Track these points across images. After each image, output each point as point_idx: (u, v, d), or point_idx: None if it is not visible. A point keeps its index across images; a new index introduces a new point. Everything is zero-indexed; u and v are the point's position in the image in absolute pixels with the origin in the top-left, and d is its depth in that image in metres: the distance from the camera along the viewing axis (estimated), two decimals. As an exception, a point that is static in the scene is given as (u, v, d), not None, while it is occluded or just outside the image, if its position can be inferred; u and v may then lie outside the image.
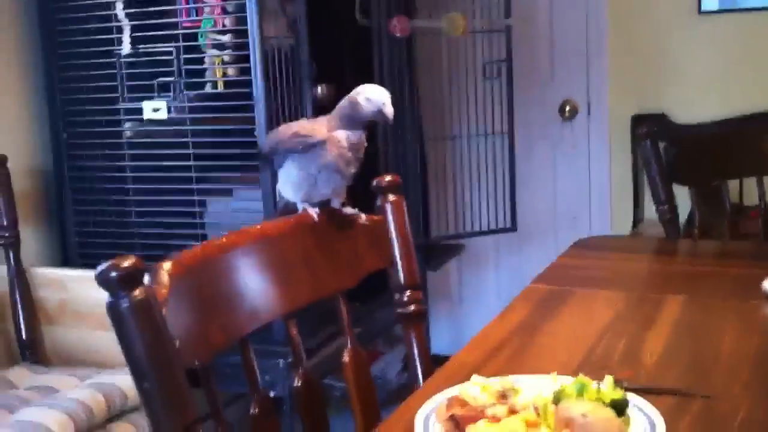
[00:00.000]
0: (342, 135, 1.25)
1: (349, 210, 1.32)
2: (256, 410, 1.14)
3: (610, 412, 0.90)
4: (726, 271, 1.65)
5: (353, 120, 1.26)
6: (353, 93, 1.26)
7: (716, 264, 1.75)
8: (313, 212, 1.27)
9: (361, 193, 3.07)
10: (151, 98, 2.28)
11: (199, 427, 0.97)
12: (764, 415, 0.97)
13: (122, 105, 2.34)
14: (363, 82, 1.29)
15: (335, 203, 1.31)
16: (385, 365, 3.38)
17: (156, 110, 2.26)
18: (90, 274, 0.92)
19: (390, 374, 3.35)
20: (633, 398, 0.96)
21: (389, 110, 1.25)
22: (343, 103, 1.27)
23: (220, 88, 2.27)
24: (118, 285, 0.90)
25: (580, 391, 0.93)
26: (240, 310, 1.13)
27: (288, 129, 1.28)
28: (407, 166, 2.80)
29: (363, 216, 1.32)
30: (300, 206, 1.29)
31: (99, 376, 1.97)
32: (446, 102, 3.21)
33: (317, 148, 1.24)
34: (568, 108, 3.52)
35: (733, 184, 2.83)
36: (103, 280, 0.90)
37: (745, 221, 2.68)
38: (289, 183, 1.29)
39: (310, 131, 1.25)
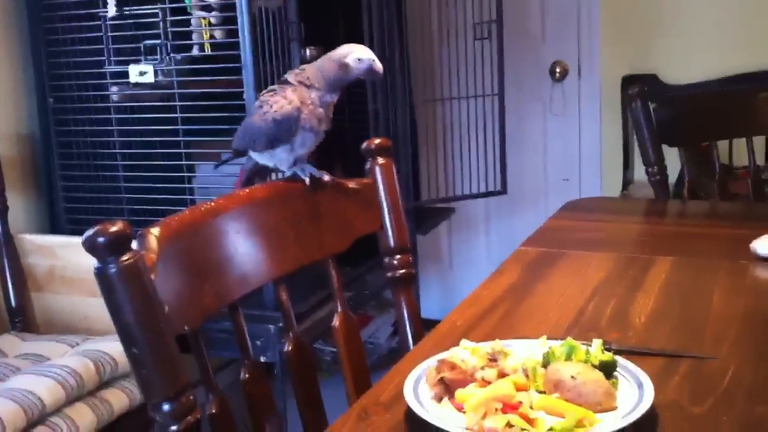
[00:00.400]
0: (315, 96, 1.25)
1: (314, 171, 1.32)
2: (247, 375, 1.14)
3: (598, 374, 0.90)
4: (715, 231, 1.66)
5: (342, 82, 1.25)
6: (339, 55, 1.25)
7: (706, 225, 1.75)
8: (306, 178, 1.27)
9: (351, 155, 3.05)
10: (137, 62, 2.25)
11: (190, 393, 0.97)
12: (752, 374, 0.98)
13: (108, 69, 2.31)
14: (354, 43, 1.28)
15: (304, 161, 1.31)
16: (376, 329, 3.40)
17: (143, 74, 2.23)
18: (78, 240, 0.91)
19: (380, 338, 3.37)
20: (621, 360, 0.96)
21: (379, 66, 1.25)
22: (328, 65, 1.26)
23: (208, 51, 2.24)
24: (105, 250, 0.89)
25: (569, 354, 0.94)
26: (229, 275, 1.12)
27: (262, 118, 1.25)
28: (397, 128, 2.78)
29: (326, 177, 1.30)
30: (289, 172, 1.29)
31: (89, 342, 1.97)
32: (436, 63, 3.18)
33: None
34: (558, 69, 3.51)
35: (723, 145, 2.83)
36: (90, 246, 0.90)
37: (734, 182, 2.69)
38: (267, 153, 1.29)
39: (287, 110, 1.23)
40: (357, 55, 1.25)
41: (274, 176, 1.45)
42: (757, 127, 2.12)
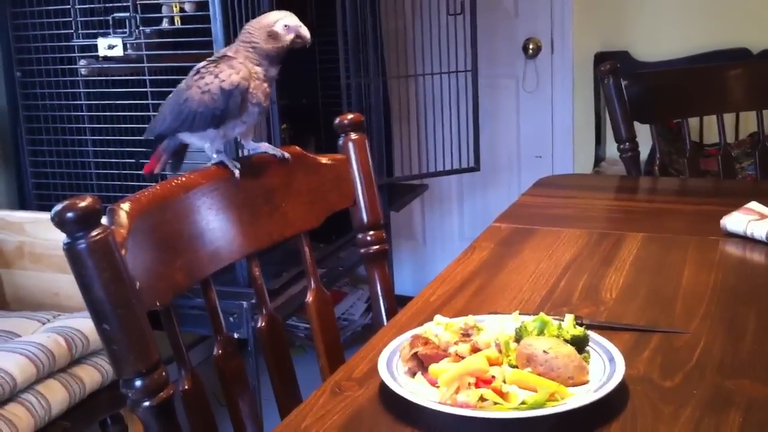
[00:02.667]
0: (260, 70, 1.17)
1: (267, 147, 1.24)
2: (220, 351, 1.14)
3: (570, 349, 0.91)
4: (686, 208, 1.67)
5: (277, 54, 1.17)
6: (266, 24, 1.16)
7: (676, 201, 1.77)
8: (235, 169, 1.16)
9: (324, 131, 3.03)
10: (106, 35, 2.22)
11: (162, 369, 0.96)
12: (721, 348, 0.99)
13: (76, 42, 2.27)
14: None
15: (248, 139, 1.23)
16: (350, 306, 3.41)
17: (111, 47, 2.19)
18: (47, 216, 0.90)
19: (354, 315, 3.37)
20: (593, 335, 0.97)
21: (306, 33, 1.17)
22: (255, 38, 1.16)
23: (178, 24, 2.21)
24: (75, 225, 0.88)
25: (542, 329, 0.94)
26: (201, 251, 1.12)
27: (204, 90, 1.13)
28: (370, 104, 2.77)
29: (278, 151, 1.23)
30: (215, 158, 1.18)
31: (59, 319, 1.95)
32: (409, 39, 3.17)
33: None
34: (531, 46, 3.50)
35: (693, 123, 2.86)
36: (59, 221, 0.89)
37: (704, 159, 2.71)
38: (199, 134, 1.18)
39: (235, 79, 1.13)
40: (284, 21, 1.16)
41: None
42: (727, 105, 2.14)
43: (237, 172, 1.16)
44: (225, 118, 1.16)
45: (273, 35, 1.16)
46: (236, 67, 1.15)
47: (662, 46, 3.31)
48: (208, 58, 1.19)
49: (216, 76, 1.14)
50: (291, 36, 1.17)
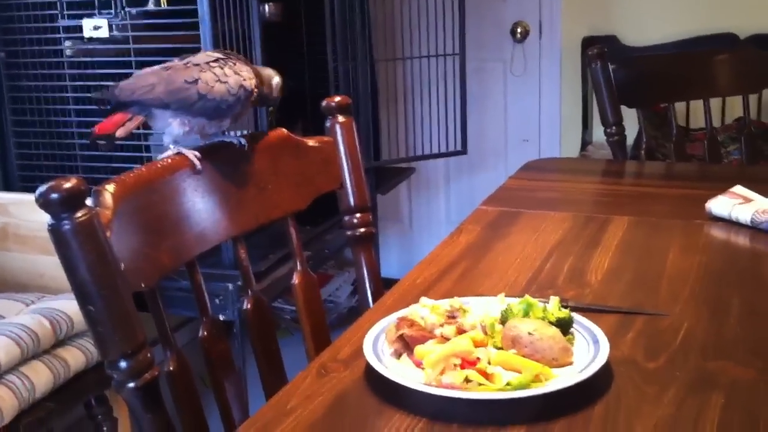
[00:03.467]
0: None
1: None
2: (206, 333, 1.14)
3: (555, 331, 0.91)
4: (671, 192, 1.68)
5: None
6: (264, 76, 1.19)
7: (662, 185, 1.78)
8: (195, 159, 1.13)
9: (312, 114, 3.02)
10: (91, 16, 2.20)
11: (147, 350, 0.96)
12: (705, 331, 1.00)
13: (62, 23, 2.25)
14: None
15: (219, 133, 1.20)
16: (336, 289, 3.41)
17: (97, 28, 2.18)
18: (32, 197, 0.89)
19: (340, 297, 3.38)
20: (578, 317, 0.98)
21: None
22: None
23: (164, 5, 2.20)
24: (59, 206, 0.88)
25: (527, 311, 0.95)
26: (187, 233, 1.11)
27: (214, 79, 1.11)
28: (357, 87, 2.76)
29: (244, 141, 1.20)
30: (174, 149, 1.14)
31: (44, 301, 1.94)
32: (397, 22, 3.15)
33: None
34: (519, 30, 3.50)
35: (680, 107, 2.86)
36: (44, 202, 0.88)
37: (691, 144, 2.72)
38: (173, 126, 1.14)
39: (250, 84, 1.14)
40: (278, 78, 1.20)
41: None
42: (713, 90, 2.14)
43: (198, 164, 1.13)
44: (223, 114, 1.14)
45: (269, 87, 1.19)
46: (250, 72, 1.15)
47: (650, 31, 3.32)
48: (216, 50, 1.17)
49: (236, 73, 1.13)
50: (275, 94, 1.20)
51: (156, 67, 1.14)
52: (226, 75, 1.13)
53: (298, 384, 0.92)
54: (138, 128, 1.16)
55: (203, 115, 1.13)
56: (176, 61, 1.15)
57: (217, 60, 1.14)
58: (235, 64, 1.15)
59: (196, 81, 1.11)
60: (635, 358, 0.93)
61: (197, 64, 1.13)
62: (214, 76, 1.12)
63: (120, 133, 1.12)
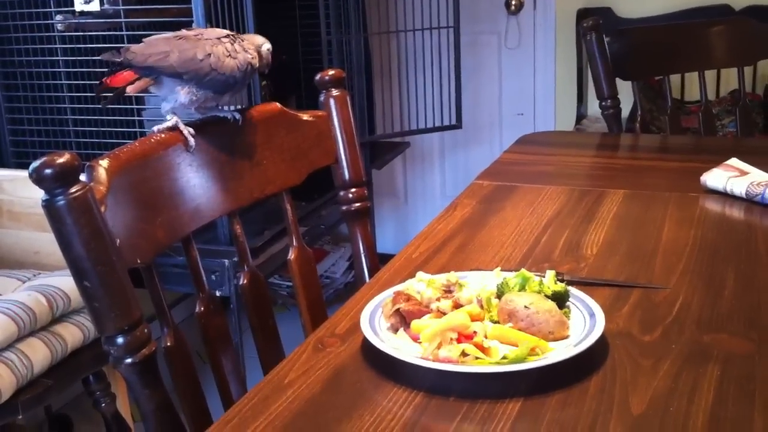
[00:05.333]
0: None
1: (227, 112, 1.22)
2: (202, 308, 1.14)
3: (551, 304, 0.91)
4: (666, 165, 1.68)
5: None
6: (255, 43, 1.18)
7: (657, 158, 1.78)
8: (190, 137, 1.13)
9: (305, 88, 3.00)
10: (82, -10, 2.18)
11: (144, 326, 0.96)
12: (700, 303, 1.00)
13: (52, -3, 2.23)
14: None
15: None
16: (332, 264, 3.41)
17: (88, 2, 2.15)
18: (25, 174, 0.89)
19: (336, 273, 3.38)
20: (573, 290, 0.98)
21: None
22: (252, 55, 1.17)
23: (155, -21, 2.17)
24: (53, 182, 0.87)
25: (523, 285, 0.95)
26: (182, 208, 1.11)
27: (224, 54, 1.12)
28: (351, 61, 2.75)
29: (238, 116, 1.20)
30: (171, 119, 1.14)
31: (40, 278, 1.94)
32: (391, -5, 3.13)
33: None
34: (514, 2, 3.48)
35: (675, 80, 2.86)
36: (37, 178, 0.88)
37: (685, 116, 2.72)
38: (176, 96, 1.14)
39: (253, 63, 1.15)
40: (268, 45, 1.19)
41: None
42: (708, 62, 2.13)
43: (192, 141, 1.13)
44: (229, 89, 1.15)
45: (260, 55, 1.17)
46: (254, 50, 1.16)
47: (645, 3, 3.30)
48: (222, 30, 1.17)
49: (244, 50, 1.14)
50: (265, 61, 1.18)
51: (168, 35, 1.14)
52: (236, 51, 1.14)
53: (295, 359, 0.92)
54: (143, 91, 1.15)
55: (210, 88, 1.14)
56: (185, 32, 1.15)
57: (228, 36, 1.15)
58: (243, 41, 1.16)
59: (209, 54, 1.12)
60: (631, 331, 0.94)
61: (209, 39, 1.13)
62: (225, 51, 1.13)
63: (130, 89, 1.13)
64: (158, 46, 1.12)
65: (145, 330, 0.96)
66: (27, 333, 1.75)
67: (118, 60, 1.11)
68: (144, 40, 1.13)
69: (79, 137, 2.33)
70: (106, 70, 1.14)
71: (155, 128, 1.13)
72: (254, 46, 1.17)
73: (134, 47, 1.11)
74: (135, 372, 0.96)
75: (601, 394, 0.82)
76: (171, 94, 1.14)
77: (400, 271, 1.15)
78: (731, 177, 1.38)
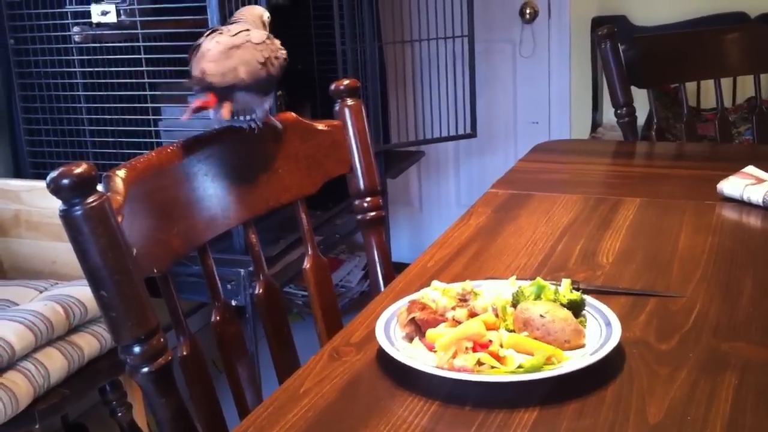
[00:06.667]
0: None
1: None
2: (218, 317, 1.14)
3: (567, 313, 0.91)
4: (682, 172, 1.67)
5: None
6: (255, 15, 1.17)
7: (673, 166, 1.77)
8: (278, 123, 1.20)
9: (320, 97, 3.00)
10: (99, 1, 2.20)
11: (160, 335, 0.96)
12: (717, 312, 1.00)
13: (69, 8, 2.25)
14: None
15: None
16: (347, 273, 3.41)
17: (105, 13, 2.17)
18: (43, 184, 0.90)
19: (351, 282, 3.38)
20: (589, 299, 0.97)
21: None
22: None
23: (171, -10, 2.19)
24: (70, 192, 0.88)
25: (538, 293, 0.95)
26: (198, 217, 1.11)
27: (272, 55, 1.11)
28: (366, 70, 2.75)
29: (254, 125, 1.20)
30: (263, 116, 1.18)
31: (57, 287, 1.95)
32: (405, 4, 3.14)
33: None
34: (528, 10, 3.48)
35: (691, 88, 2.84)
36: (55, 188, 0.88)
37: (701, 124, 2.71)
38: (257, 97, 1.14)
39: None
40: (267, 14, 1.17)
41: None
42: (724, 69, 2.13)
43: (280, 125, 1.18)
44: (272, 89, 1.14)
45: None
46: (279, 44, 1.15)
47: (660, 10, 3.29)
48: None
49: (279, 48, 1.13)
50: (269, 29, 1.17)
51: (218, 46, 1.09)
52: (279, 50, 1.13)
53: (310, 368, 0.92)
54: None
55: (262, 92, 1.12)
56: (221, 36, 1.10)
57: (269, 37, 1.13)
58: (273, 39, 1.14)
59: (266, 59, 1.10)
60: (647, 340, 0.93)
61: (259, 43, 1.11)
62: (272, 53, 1.12)
63: (226, 115, 1.09)
64: (223, 63, 1.08)
65: (161, 339, 0.96)
66: (44, 343, 1.76)
67: (202, 86, 1.07)
68: (202, 56, 1.09)
69: (96, 148, 2.34)
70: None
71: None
72: (257, 18, 1.15)
73: (206, 68, 1.07)
74: (151, 381, 0.96)
75: (617, 403, 0.81)
76: (245, 106, 1.13)
77: (415, 280, 1.15)
78: (748, 185, 1.37)
